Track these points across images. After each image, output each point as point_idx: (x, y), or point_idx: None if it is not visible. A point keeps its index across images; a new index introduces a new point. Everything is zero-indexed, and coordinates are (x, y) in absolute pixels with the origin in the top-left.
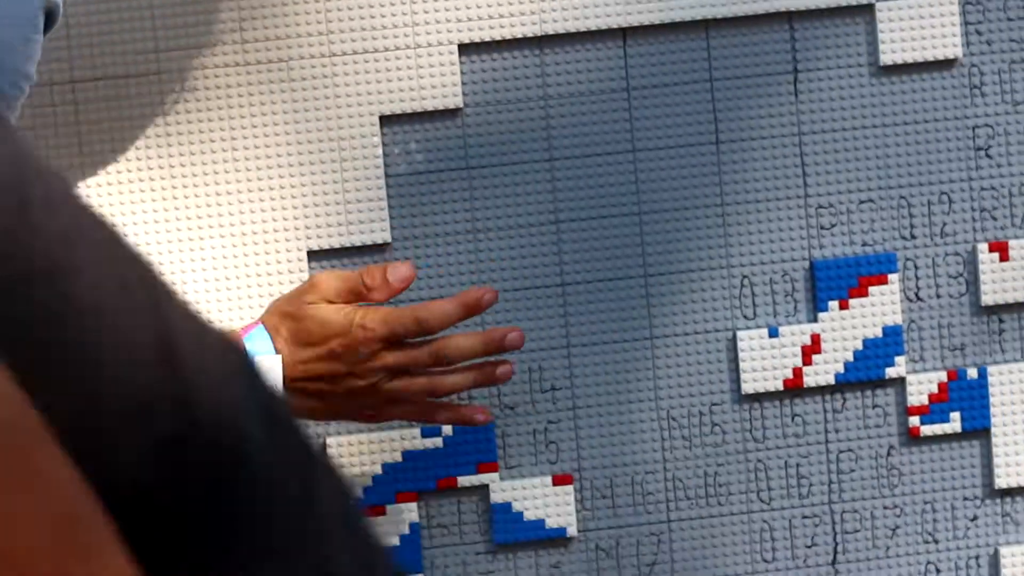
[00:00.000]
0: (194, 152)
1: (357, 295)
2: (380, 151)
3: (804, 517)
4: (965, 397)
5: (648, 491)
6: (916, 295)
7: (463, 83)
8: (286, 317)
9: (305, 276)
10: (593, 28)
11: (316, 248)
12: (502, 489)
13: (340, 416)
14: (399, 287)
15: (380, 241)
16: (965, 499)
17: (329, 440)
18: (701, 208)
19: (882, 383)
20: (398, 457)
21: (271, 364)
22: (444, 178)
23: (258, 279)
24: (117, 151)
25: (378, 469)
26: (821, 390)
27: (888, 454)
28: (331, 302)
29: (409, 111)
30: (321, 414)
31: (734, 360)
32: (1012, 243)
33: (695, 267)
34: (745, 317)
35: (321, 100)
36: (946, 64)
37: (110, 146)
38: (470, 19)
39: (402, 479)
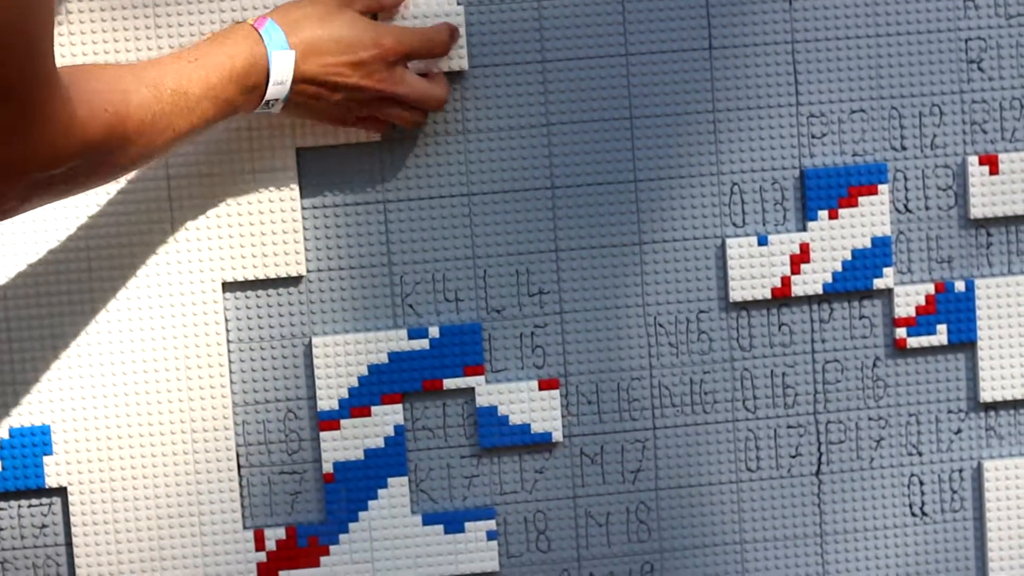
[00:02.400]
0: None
1: (379, 7)
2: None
3: (789, 427)
4: (952, 310)
5: (634, 397)
6: (905, 206)
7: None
8: (308, 18)
9: (294, 173)
10: None
11: (306, 146)
12: (488, 392)
13: (316, 118)
14: None
15: (367, 140)
16: (949, 412)
17: (315, 340)
18: (692, 114)
19: (869, 294)
20: (384, 358)
21: (286, 62)
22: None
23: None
24: None
25: (364, 370)
26: (809, 300)
27: (874, 365)
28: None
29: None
30: (308, 115)
31: (722, 268)
32: (1002, 156)
33: (685, 173)
34: (734, 225)
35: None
36: None
37: None
38: None
39: (387, 380)
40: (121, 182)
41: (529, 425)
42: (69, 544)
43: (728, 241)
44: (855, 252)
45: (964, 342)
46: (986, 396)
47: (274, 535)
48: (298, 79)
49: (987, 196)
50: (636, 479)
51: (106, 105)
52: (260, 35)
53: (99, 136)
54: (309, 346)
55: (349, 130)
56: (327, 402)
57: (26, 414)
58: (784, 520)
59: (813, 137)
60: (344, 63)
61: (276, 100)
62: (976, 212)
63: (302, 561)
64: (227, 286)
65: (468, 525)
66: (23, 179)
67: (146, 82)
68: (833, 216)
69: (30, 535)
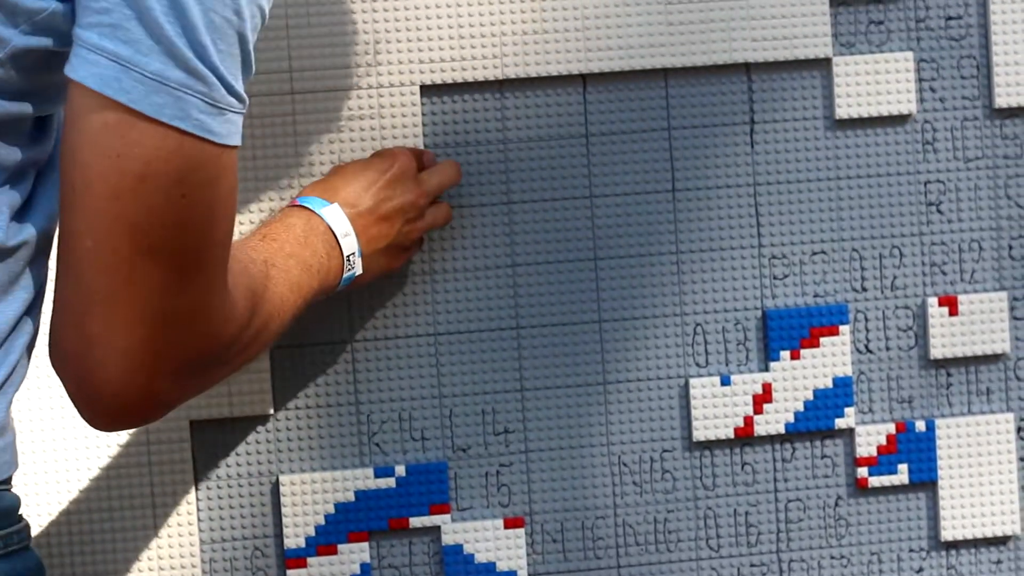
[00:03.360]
0: None
1: None
2: None
3: (752, 565)
4: (913, 449)
5: (598, 536)
6: (866, 347)
7: (424, 124)
8: (326, 180)
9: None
10: (554, 73)
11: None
12: (454, 531)
13: (389, 262)
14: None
15: None
16: (911, 551)
17: (282, 479)
18: (656, 255)
19: (831, 433)
20: (351, 496)
21: (335, 212)
22: None
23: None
24: None
25: (331, 508)
26: (771, 439)
27: (836, 504)
28: None
29: (370, 150)
30: (379, 262)
31: (686, 407)
32: (961, 298)
33: (649, 314)
34: (697, 365)
35: (281, 137)
36: (900, 119)
37: None
38: (432, 60)
39: (354, 519)
40: None
41: (495, 564)
42: None
43: (692, 381)
44: (817, 392)
45: (925, 481)
46: (947, 535)
47: None
48: (357, 224)
49: (947, 337)
50: None
51: (249, 286)
52: (300, 204)
53: (248, 313)
54: (276, 484)
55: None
56: (294, 540)
57: None
58: None
59: (775, 278)
60: (381, 188)
61: (354, 255)
62: (936, 352)
63: None
64: (195, 424)
65: None
66: (185, 362)
67: (256, 260)
68: (795, 356)
69: None
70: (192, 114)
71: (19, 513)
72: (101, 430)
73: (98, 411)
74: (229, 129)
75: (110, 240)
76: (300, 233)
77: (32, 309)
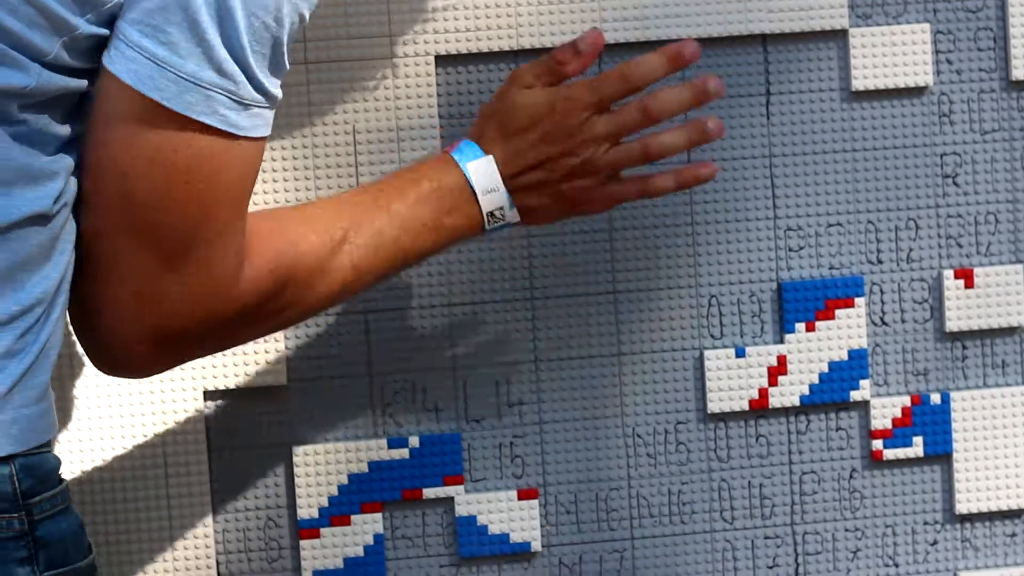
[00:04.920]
0: None
1: (554, 75)
2: (355, 159)
3: (766, 538)
4: (928, 422)
5: (612, 507)
6: (882, 319)
7: (439, 95)
8: (489, 117)
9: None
10: None
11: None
12: (467, 502)
13: (564, 210)
14: (591, 53)
15: None
16: (926, 523)
17: (296, 449)
18: (671, 227)
19: (846, 406)
20: (364, 468)
21: (486, 167)
22: None
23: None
24: None
25: (344, 479)
26: (786, 411)
27: (851, 477)
28: (531, 87)
29: (384, 121)
30: (546, 212)
31: (700, 379)
32: (977, 270)
33: (664, 285)
34: (712, 337)
35: (296, 107)
36: (916, 91)
37: None
38: (447, 31)
39: (367, 490)
40: None
41: (508, 535)
42: None
43: (706, 353)
44: (832, 364)
45: (940, 454)
46: (962, 508)
47: None
48: (509, 176)
49: (962, 309)
50: None
51: (274, 256)
52: (451, 156)
53: (269, 288)
54: (290, 455)
55: None
56: (307, 511)
57: None
58: None
59: (790, 250)
60: (536, 140)
61: (502, 209)
62: (952, 325)
63: None
64: (208, 394)
65: None
66: (203, 314)
67: (317, 228)
68: (810, 328)
69: None
70: (219, 111)
71: (59, 475)
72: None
73: (107, 363)
74: (254, 123)
75: (111, 214)
76: (424, 192)
77: (69, 270)
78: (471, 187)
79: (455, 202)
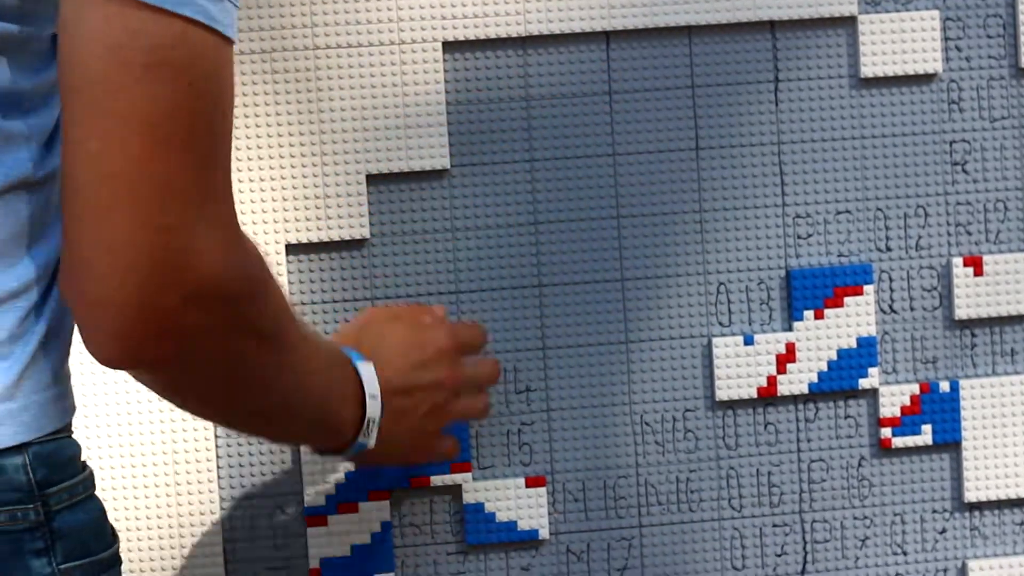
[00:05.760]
0: None
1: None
2: (362, 146)
3: (775, 526)
4: (937, 410)
5: (620, 495)
6: (890, 307)
7: (446, 81)
8: (368, 332)
9: (283, 270)
10: (577, 30)
11: (295, 242)
12: (475, 489)
13: (404, 452)
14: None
15: (359, 237)
16: (934, 512)
17: None
18: (679, 214)
19: (855, 394)
20: None
21: (368, 370)
22: (424, 176)
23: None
24: None
25: (350, 466)
26: (794, 399)
27: (859, 465)
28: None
29: (391, 107)
30: (393, 446)
31: (709, 367)
32: (986, 258)
33: (672, 272)
34: (720, 324)
35: (304, 93)
36: (925, 78)
37: None
38: (455, 17)
39: (374, 477)
40: None
41: (516, 522)
42: None
43: (714, 340)
44: (840, 352)
45: (949, 442)
46: (971, 496)
47: None
48: (385, 389)
49: (972, 297)
50: None
51: (259, 257)
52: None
53: (256, 276)
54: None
55: (334, 227)
56: (314, 498)
57: None
58: None
59: (799, 238)
60: (415, 363)
61: (373, 422)
62: (961, 313)
63: None
64: None
65: None
66: (194, 283)
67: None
68: (819, 316)
69: None
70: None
71: (82, 460)
72: (111, 365)
73: (103, 337)
74: (228, 19)
75: (118, 138)
76: (328, 364)
77: None
78: (361, 386)
79: (352, 396)
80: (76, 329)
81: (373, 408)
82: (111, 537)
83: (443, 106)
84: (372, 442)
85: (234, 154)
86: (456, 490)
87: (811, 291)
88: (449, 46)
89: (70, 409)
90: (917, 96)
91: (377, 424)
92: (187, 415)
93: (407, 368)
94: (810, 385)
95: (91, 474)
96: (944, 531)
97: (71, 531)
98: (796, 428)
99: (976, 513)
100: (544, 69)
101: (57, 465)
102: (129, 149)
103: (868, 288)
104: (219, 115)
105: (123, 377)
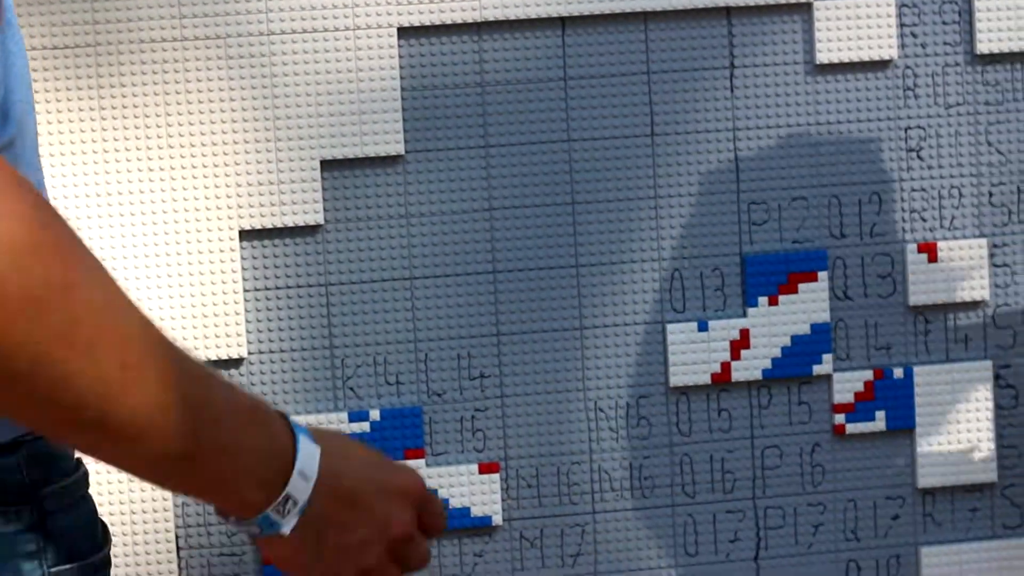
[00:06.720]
0: (127, 127)
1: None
2: (316, 132)
3: (728, 512)
4: (890, 396)
5: (574, 481)
6: (845, 293)
7: (401, 67)
8: (335, 445)
9: (237, 256)
10: (532, 16)
11: (248, 228)
12: (428, 476)
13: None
14: None
15: (313, 223)
16: (888, 498)
17: None
18: (634, 200)
19: (808, 380)
20: None
21: (311, 451)
22: (378, 162)
23: (188, 256)
24: (51, 122)
25: None
26: (748, 385)
27: (813, 451)
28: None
29: (346, 92)
30: (306, 556)
31: (663, 353)
32: (941, 244)
33: (626, 259)
34: (675, 310)
35: (258, 79)
36: (881, 65)
37: (44, 117)
38: (410, 2)
39: None
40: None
41: (469, 509)
42: None
43: (669, 327)
44: (794, 338)
45: (902, 428)
46: (924, 483)
47: None
48: (326, 482)
49: (926, 284)
50: (575, 563)
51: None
52: (287, 420)
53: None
54: None
55: (288, 213)
56: None
57: None
58: None
59: (754, 224)
60: (376, 483)
61: (294, 506)
62: (915, 299)
63: None
64: None
65: None
66: None
67: (123, 299)
68: (773, 302)
69: None
70: None
71: (76, 457)
72: None
73: None
74: None
75: None
76: (249, 409)
77: None
78: (294, 459)
79: (269, 463)
80: None
81: (298, 489)
82: (102, 539)
83: (398, 92)
84: (286, 529)
85: (188, 140)
86: None
87: (765, 277)
88: (404, 32)
89: None
90: (872, 83)
91: (299, 513)
92: None
93: (364, 479)
94: (764, 371)
95: (85, 473)
96: (897, 517)
97: (63, 533)
98: (750, 414)
99: (929, 499)
100: (499, 55)
101: (51, 464)
102: None
103: (822, 274)
104: None
105: None
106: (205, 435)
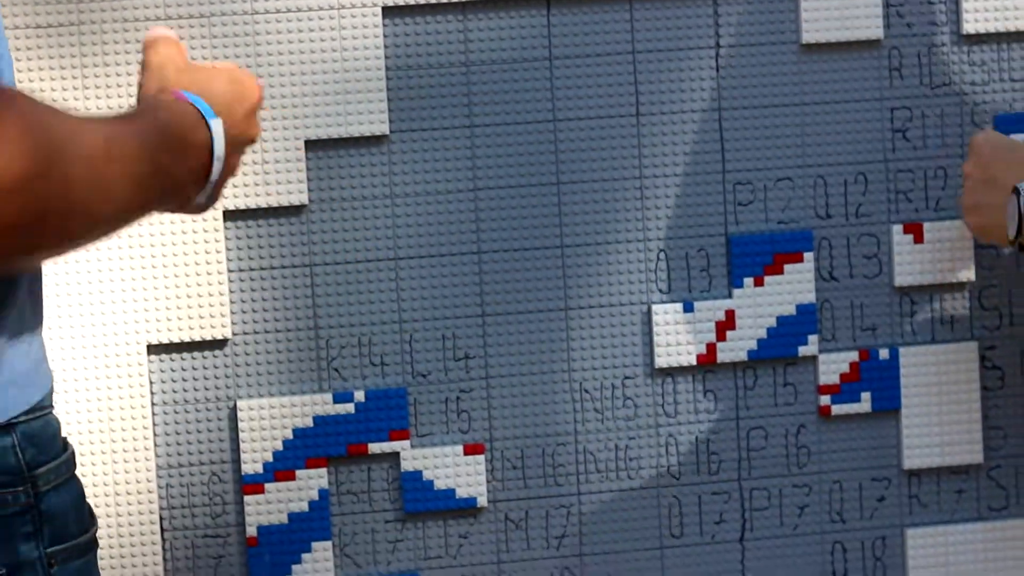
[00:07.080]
0: (111, 107)
1: None
2: (301, 112)
3: (713, 493)
4: (876, 378)
5: (559, 463)
6: (830, 274)
7: (385, 46)
8: (207, 80)
9: (221, 236)
10: None
11: (233, 208)
12: (413, 457)
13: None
14: None
15: (297, 203)
16: (873, 479)
17: (240, 404)
18: (619, 180)
19: (794, 361)
20: (309, 422)
21: (219, 128)
22: (362, 142)
23: (173, 237)
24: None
25: (289, 434)
26: (734, 366)
27: (798, 432)
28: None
29: (331, 72)
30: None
31: (648, 334)
32: (926, 225)
33: (612, 239)
34: (660, 291)
35: (243, 58)
36: (867, 45)
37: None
38: None
39: (312, 444)
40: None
41: (454, 490)
42: None
43: (654, 307)
44: (780, 319)
45: (888, 410)
46: (910, 464)
47: None
48: (227, 143)
49: (911, 264)
50: (560, 545)
51: (42, 138)
52: (191, 102)
53: (22, 170)
54: (234, 409)
55: (273, 193)
56: (251, 465)
57: None
58: None
59: (739, 204)
60: (246, 114)
61: (210, 184)
62: (900, 280)
63: None
64: (152, 348)
65: None
66: None
67: (90, 131)
68: (758, 283)
69: None
70: None
71: (63, 440)
72: None
73: None
74: None
75: None
76: (173, 132)
77: None
78: (211, 146)
79: (197, 155)
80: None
81: (216, 170)
82: (89, 520)
83: (382, 71)
84: (202, 200)
85: None
86: (394, 458)
87: (751, 258)
88: (389, 11)
89: (50, 377)
90: (858, 63)
91: (212, 185)
92: (122, 380)
93: (243, 120)
94: (749, 352)
95: (72, 453)
96: (883, 499)
97: (56, 513)
98: (735, 395)
99: (915, 480)
100: (484, 35)
101: (43, 445)
102: None
103: (808, 255)
104: None
105: (58, 346)
106: (169, 173)
